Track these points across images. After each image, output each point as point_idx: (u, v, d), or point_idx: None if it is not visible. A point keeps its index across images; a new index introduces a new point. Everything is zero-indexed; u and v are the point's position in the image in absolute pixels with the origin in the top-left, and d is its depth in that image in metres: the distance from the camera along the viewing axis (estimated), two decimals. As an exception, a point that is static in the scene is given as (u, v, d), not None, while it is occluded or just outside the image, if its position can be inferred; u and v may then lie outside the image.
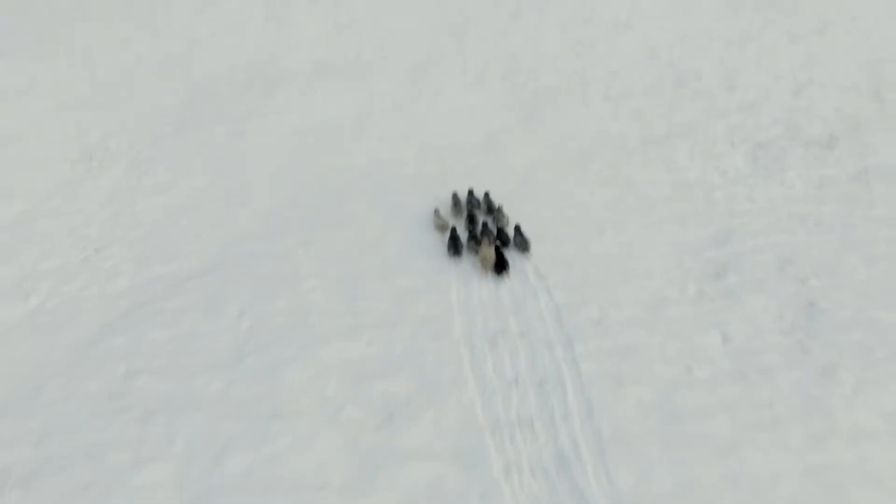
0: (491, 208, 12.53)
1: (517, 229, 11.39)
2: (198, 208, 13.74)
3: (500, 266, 10.55)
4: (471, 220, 12.16)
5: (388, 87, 18.32)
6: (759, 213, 12.90)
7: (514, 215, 12.39)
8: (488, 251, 10.63)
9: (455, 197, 12.84)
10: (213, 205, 13.87)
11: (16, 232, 12.92)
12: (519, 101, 17.57)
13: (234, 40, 20.99)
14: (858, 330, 8.84)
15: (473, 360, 8.81)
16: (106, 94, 18.22)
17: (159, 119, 17.11)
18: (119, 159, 15.46)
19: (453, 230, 11.47)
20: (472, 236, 11.43)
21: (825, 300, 9.51)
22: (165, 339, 9.62)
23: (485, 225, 11.61)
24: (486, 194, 12.78)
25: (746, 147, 15.43)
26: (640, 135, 15.71)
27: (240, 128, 16.63)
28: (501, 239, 11.40)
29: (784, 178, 13.93)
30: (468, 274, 10.84)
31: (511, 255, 11.15)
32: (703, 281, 10.28)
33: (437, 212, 12.40)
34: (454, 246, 11.20)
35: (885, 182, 13.32)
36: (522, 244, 11.20)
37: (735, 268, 10.58)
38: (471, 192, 12.95)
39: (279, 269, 11.76)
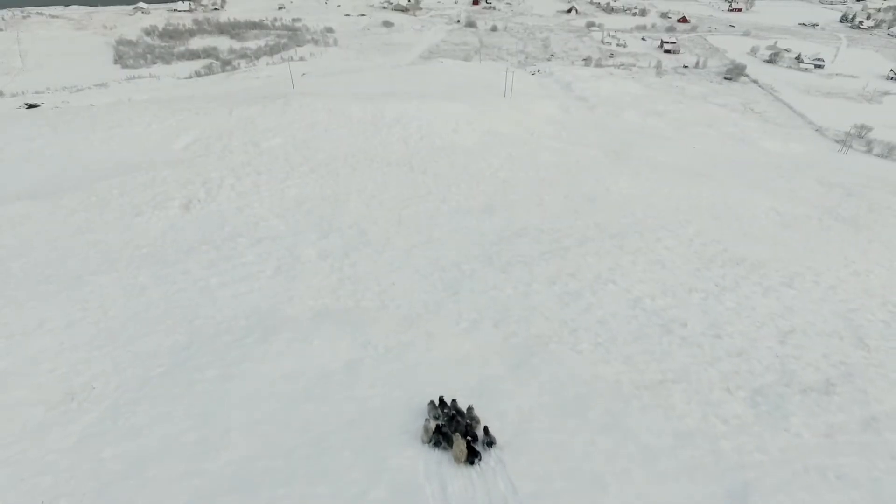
0: (459, 410, 13.90)
1: (486, 430, 13.10)
2: (169, 456, 12.81)
3: (472, 455, 12.31)
4: (447, 419, 13.51)
5: (383, 334, 18.78)
6: (774, 466, 11.96)
7: (509, 469, 11.54)
8: (461, 443, 12.42)
9: (431, 403, 14.37)
10: (187, 451, 12.98)
11: (-38, 483, 11.81)
12: (511, 348, 17.81)
13: (242, 289, 22.38)
14: None
15: None
16: (108, 336, 18.64)
17: (153, 360, 17.17)
18: (101, 401, 15.01)
19: (437, 427, 13.13)
20: (445, 435, 12.92)
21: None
22: None
23: (455, 419, 13.31)
24: (454, 401, 14.33)
25: (744, 393, 15.13)
26: (633, 380, 15.53)
27: (232, 372, 16.52)
28: (470, 434, 12.97)
29: (789, 426, 13.31)
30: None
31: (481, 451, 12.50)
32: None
33: (427, 421, 13.47)
34: (436, 438, 12.82)
35: (897, 432, 12.64)
36: (489, 442, 12.88)
37: (759, 533, 9.33)
38: (441, 400, 14.44)
39: (244, 532, 10.42)
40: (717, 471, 11.55)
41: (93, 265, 24.25)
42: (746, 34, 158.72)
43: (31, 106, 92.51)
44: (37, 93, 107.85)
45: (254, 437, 13.56)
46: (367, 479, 11.76)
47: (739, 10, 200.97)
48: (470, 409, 13.59)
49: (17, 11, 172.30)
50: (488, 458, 12.15)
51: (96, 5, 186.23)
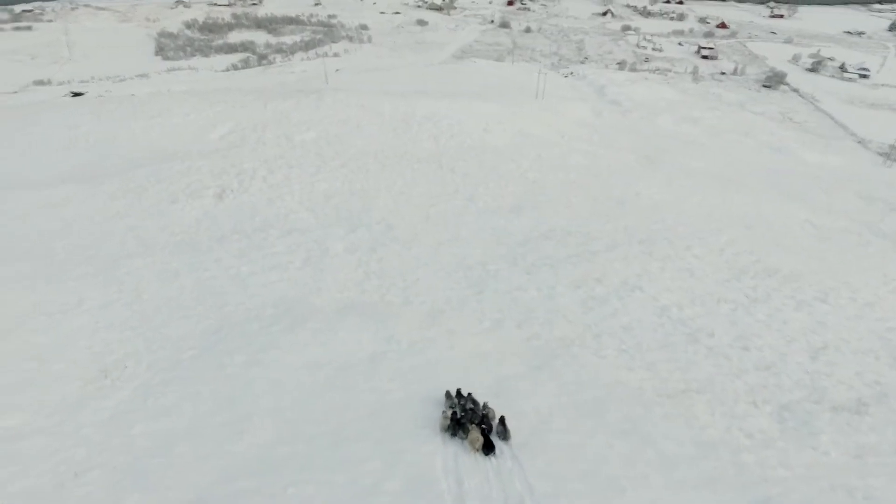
0: (475, 402, 14.35)
1: (501, 420, 13.36)
2: (195, 435, 13.21)
3: (488, 447, 12.57)
4: (463, 410, 13.92)
5: (406, 329, 18.96)
6: (798, 483, 11.72)
7: (525, 468, 11.59)
8: (476, 434, 12.74)
9: (448, 393, 14.66)
10: (213, 432, 13.35)
11: (0, 447, 12.39)
12: (532, 350, 17.80)
13: (272, 278, 22.83)
14: None
15: None
16: (142, 318, 19.26)
17: (184, 343, 17.68)
18: (133, 380, 15.54)
19: (453, 415, 13.36)
20: (461, 424, 13.29)
21: None
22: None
23: (472, 410, 13.82)
24: (470, 394, 14.66)
25: (771, 408, 14.83)
26: (656, 387, 15.37)
27: (258, 358, 16.91)
28: (486, 424, 13.33)
29: (817, 444, 13.01)
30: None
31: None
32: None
33: (444, 413, 13.81)
34: (453, 427, 13.18)
35: (932, 455, 12.25)
36: (503, 433, 13.19)
37: (779, 547, 9.17)
38: (459, 392, 14.85)
39: (264, 512, 10.72)
40: (739, 483, 11.38)
41: (129, 249, 25.04)
42: (788, 41, 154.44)
43: (76, 94, 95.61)
44: (82, 82, 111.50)
45: (277, 423, 13.87)
46: (383, 469, 11.93)
47: (781, 16, 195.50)
48: (485, 404, 13.97)
49: (66, 3, 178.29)
50: (504, 454, 12.39)
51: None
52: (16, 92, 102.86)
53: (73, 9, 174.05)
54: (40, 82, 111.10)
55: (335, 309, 20.17)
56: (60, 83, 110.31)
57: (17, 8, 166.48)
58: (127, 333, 18.16)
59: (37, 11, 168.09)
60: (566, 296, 21.72)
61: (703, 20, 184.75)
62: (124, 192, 31.42)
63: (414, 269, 23.77)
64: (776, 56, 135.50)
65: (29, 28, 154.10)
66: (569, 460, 11.90)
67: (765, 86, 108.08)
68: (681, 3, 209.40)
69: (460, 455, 12.58)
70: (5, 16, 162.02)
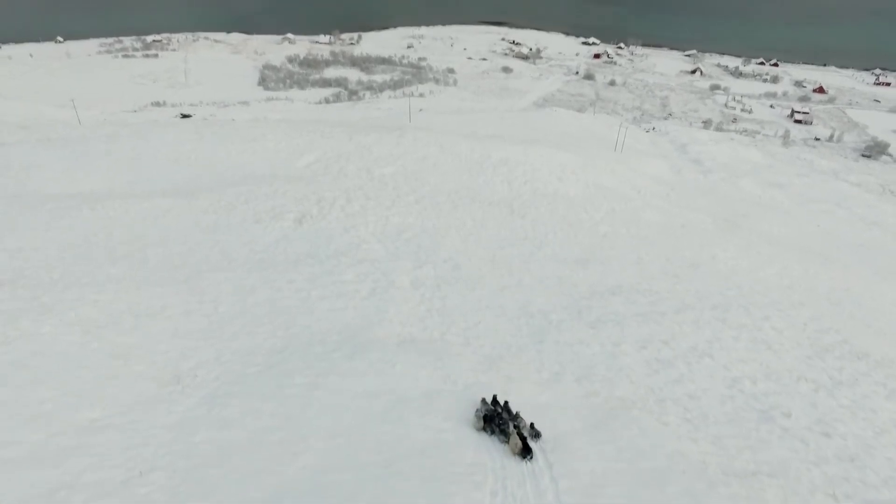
0: (510, 412, 15.42)
1: (532, 426, 14.87)
2: (252, 451, 13.69)
3: (526, 450, 13.96)
4: (499, 417, 15.04)
5: (463, 370, 18.92)
6: None
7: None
8: (516, 439, 14.04)
9: (484, 401, 16.09)
10: (268, 450, 13.80)
11: (80, 438, 13.37)
12: (591, 407, 17.25)
13: (338, 305, 23.61)
14: None
15: None
16: (216, 329, 20.41)
17: (251, 359, 18.52)
18: (202, 388, 16.40)
19: (485, 417, 15.08)
20: (502, 430, 14.67)
21: None
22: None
23: (506, 420, 14.95)
24: (506, 402, 15.86)
25: (852, 505, 13.53)
26: (721, 464, 14.43)
27: (318, 382, 17.39)
28: (520, 430, 14.49)
29: (906, 555, 11.69)
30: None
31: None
32: None
33: (477, 412, 15.42)
34: (490, 427, 14.92)
35: None
36: (535, 434, 14.71)
37: None
38: (495, 399, 16.06)
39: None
40: (811, 585, 10.38)
41: (213, 262, 26.75)
42: (894, 111, 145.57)
43: (185, 116, 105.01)
44: (191, 105, 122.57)
45: (330, 447, 14.14)
46: (430, 511, 11.83)
47: (888, 84, 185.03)
48: (517, 413, 15.27)
49: (189, 35, 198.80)
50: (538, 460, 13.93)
51: (252, 33, 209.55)
52: (135, 111, 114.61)
53: (194, 40, 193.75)
54: (157, 104, 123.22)
55: (396, 342, 20.51)
56: (173, 105, 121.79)
57: (149, 38, 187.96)
58: (201, 343, 19.26)
59: (164, 41, 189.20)
60: (630, 355, 21.01)
61: (798, 83, 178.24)
62: (215, 209, 33.77)
63: (476, 311, 23.85)
64: (878, 125, 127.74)
65: (156, 56, 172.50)
66: (622, 532, 11.34)
67: (864, 155, 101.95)
68: (776, 65, 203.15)
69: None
70: (139, 44, 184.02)
